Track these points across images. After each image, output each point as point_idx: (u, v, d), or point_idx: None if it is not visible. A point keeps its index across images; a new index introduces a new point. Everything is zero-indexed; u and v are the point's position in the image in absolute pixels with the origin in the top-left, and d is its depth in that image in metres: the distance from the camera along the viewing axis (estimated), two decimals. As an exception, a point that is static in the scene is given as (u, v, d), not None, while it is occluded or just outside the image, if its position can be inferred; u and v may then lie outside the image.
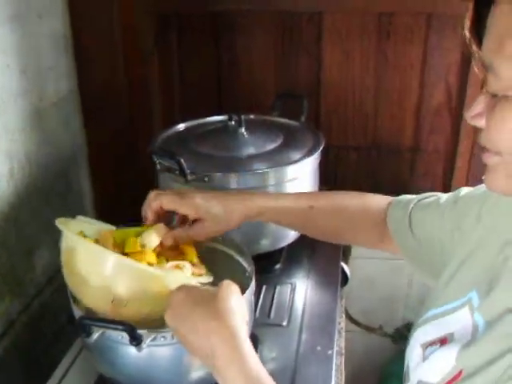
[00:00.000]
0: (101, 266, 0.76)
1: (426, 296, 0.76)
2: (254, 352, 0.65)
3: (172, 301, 0.70)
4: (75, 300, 0.81)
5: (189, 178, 1.04)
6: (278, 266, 1.21)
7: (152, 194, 0.89)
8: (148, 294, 0.76)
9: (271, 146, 1.15)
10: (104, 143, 1.42)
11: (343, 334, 1.21)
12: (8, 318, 1.14)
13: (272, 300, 1.11)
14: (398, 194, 0.94)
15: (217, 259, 0.95)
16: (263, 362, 0.65)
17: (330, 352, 0.99)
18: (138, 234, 0.84)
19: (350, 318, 1.58)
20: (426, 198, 0.86)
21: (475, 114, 0.56)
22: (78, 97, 1.38)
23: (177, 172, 1.06)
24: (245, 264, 0.93)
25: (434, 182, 1.55)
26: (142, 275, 0.76)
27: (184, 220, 0.90)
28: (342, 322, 1.23)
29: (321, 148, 1.16)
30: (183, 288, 0.72)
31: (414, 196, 0.88)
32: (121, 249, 0.81)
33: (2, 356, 1.08)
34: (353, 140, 1.53)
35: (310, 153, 1.14)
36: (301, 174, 1.12)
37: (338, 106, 1.49)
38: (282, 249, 1.22)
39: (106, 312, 0.78)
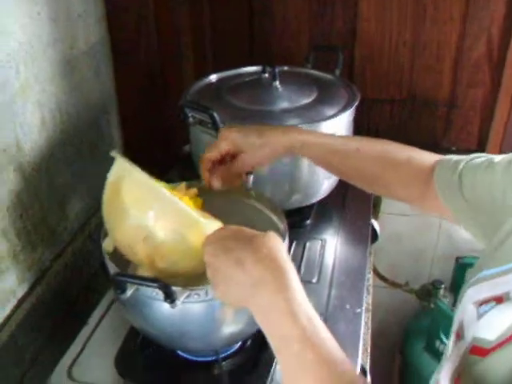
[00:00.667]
0: (146, 199, 0.75)
1: (480, 256, 0.74)
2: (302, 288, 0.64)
3: (214, 235, 0.70)
4: (105, 235, 0.84)
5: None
6: (308, 222, 1.21)
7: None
8: (184, 240, 0.74)
9: (305, 101, 1.13)
10: (134, 92, 1.41)
11: (371, 290, 1.22)
12: (41, 266, 1.16)
13: (302, 256, 1.11)
14: (430, 150, 0.91)
15: (248, 214, 0.94)
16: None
17: (358, 310, 0.99)
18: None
19: (376, 273, 1.58)
20: (477, 158, 0.82)
21: None
22: (108, 45, 1.36)
23: (209, 125, 1.04)
24: (277, 220, 0.92)
25: (469, 139, 1.51)
26: (184, 218, 0.75)
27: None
28: (370, 278, 1.23)
29: (356, 104, 1.13)
30: (226, 226, 0.72)
31: (463, 156, 0.84)
32: None
33: (35, 304, 1.10)
34: (387, 93, 1.49)
35: (344, 108, 1.11)
36: (335, 130, 1.10)
37: (372, 58, 1.45)
38: (312, 205, 1.21)
39: (136, 252, 0.77)
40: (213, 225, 0.75)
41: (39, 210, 1.14)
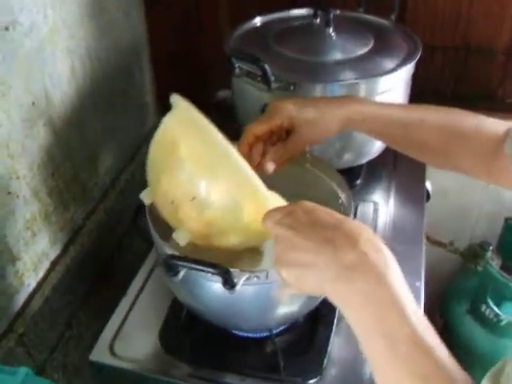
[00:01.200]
0: (208, 155, 0.64)
1: None
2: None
3: (286, 209, 0.60)
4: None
5: (273, 85, 0.92)
6: (358, 182, 1.12)
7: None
8: (238, 209, 0.64)
9: (361, 52, 1.02)
10: (166, 35, 1.30)
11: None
12: (74, 226, 1.10)
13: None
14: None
15: (306, 181, 0.86)
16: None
17: (418, 284, 0.92)
18: None
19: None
20: None
21: None
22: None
23: (258, 78, 0.94)
24: (337, 188, 0.84)
25: (527, 90, 1.39)
26: (245, 185, 0.64)
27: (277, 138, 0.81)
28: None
29: (418, 56, 1.01)
30: (299, 202, 0.60)
31: None
32: None
33: (69, 265, 1.05)
34: (440, 39, 1.36)
35: (405, 61, 1.00)
36: (395, 85, 1.00)
37: (426, 2, 1.31)
38: (361, 165, 1.12)
39: (178, 212, 0.67)
40: (277, 201, 0.67)
41: (70, 166, 1.06)
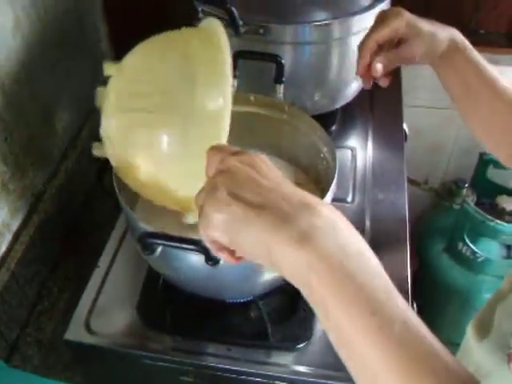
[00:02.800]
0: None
1: None
2: None
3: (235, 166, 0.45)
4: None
5: (241, 30, 0.85)
6: (333, 128, 1.07)
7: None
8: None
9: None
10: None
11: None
12: (34, 191, 1.02)
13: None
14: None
15: (284, 133, 0.81)
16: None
17: (402, 235, 0.89)
18: None
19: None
20: None
21: None
22: None
23: (224, 23, 0.86)
24: (318, 141, 0.78)
25: (499, 21, 1.34)
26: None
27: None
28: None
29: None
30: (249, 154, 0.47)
31: None
32: None
33: (32, 235, 0.98)
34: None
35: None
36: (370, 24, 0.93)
37: None
38: (335, 110, 1.07)
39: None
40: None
41: (25, 128, 0.98)
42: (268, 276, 0.72)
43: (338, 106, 1.05)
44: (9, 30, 0.92)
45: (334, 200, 0.88)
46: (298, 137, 0.81)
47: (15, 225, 0.97)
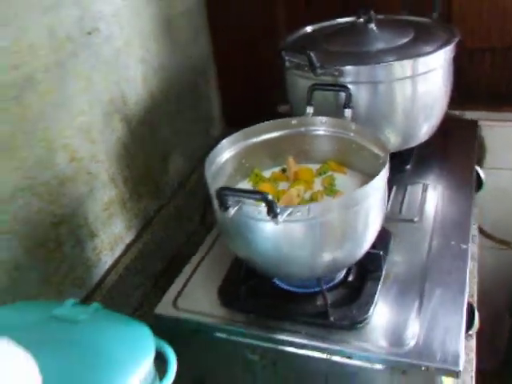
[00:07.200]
0: None
1: None
2: None
3: None
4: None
5: (318, 71, 1.02)
6: (408, 167, 1.17)
7: None
8: None
9: (402, 41, 1.10)
10: (231, 55, 1.44)
11: (476, 241, 1.16)
12: (146, 215, 1.21)
13: (403, 198, 1.08)
14: None
15: (350, 150, 0.94)
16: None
17: (464, 246, 0.95)
18: None
19: (483, 231, 1.50)
20: None
21: None
22: (204, 10, 1.41)
23: (306, 68, 1.04)
24: (378, 151, 0.90)
25: None
26: None
27: None
28: (475, 229, 1.17)
29: (455, 40, 1.08)
30: None
31: None
32: None
33: (141, 250, 1.15)
34: (488, 41, 1.42)
35: (443, 45, 1.08)
36: (433, 67, 1.06)
37: (471, 2, 1.38)
38: (411, 149, 1.18)
39: None
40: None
41: (144, 161, 1.19)
42: (329, 255, 0.82)
43: (410, 145, 1.16)
44: (139, 82, 1.17)
45: (401, 220, 0.99)
46: (363, 152, 0.93)
47: (128, 238, 1.16)
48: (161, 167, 1.26)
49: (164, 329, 0.81)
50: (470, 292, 0.93)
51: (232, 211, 0.75)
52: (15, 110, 0.86)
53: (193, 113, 1.40)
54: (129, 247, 1.15)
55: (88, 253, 1.04)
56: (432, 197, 1.09)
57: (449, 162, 1.20)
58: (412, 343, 0.79)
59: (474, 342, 0.94)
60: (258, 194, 0.71)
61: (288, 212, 0.73)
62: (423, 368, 0.76)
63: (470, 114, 1.42)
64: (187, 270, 0.99)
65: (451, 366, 0.75)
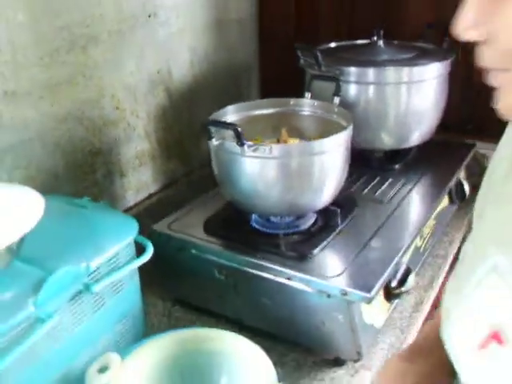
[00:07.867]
0: None
1: None
2: None
3: None
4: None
5: (323, 68, 1.24)
6: (397, 166, 1.34)
7: None
8: None
9: (405, 56, 1.30)
10: (274, 59, 1.69)
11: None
12: (172, 176, 1.45)
13: (381, 186, 1.25)
14: None
15: (332, 130, 1.14)
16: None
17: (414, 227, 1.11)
18: None
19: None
20: None
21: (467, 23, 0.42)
22: (256, 20, 1.68)
23: (315, 67, 1.26)
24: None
25: None
26: None
27: None
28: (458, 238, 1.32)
29: (451, 57, 1.28)
30: None
31: None
32: None
33: (162, 200, 1.38)
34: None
35: (438, 60, 1.27)
36: (427, 77, 1.25)
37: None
38: (404, 152, 1.35)
39: None
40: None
41: (178, 132, 1.44)
42: (288, 196, 1.01)
43: (401, 147, 1.33)
44: (186, 65, 1.43)
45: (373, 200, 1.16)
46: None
47: (153, 188, 1.40)
48: (193, 142, 1.50)
49: (156, 245, 1.01)
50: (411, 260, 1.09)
51: (215, 142, 0.98)
52: (80, 57, 1.13)
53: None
54: (151, 196, 1.39)
55: (116, 186, 1.29)
56: (406, 191, 1.24)
57: (433, 171, 1.34)
58: (340, 277, 0.95)
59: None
60: (231, 125, 0.94)
61: (254, 148, 0.95)
62: (342, 293, 0.92)
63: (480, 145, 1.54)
64: (188, 207, 1.20)
65: (365, 292, 0.91)
